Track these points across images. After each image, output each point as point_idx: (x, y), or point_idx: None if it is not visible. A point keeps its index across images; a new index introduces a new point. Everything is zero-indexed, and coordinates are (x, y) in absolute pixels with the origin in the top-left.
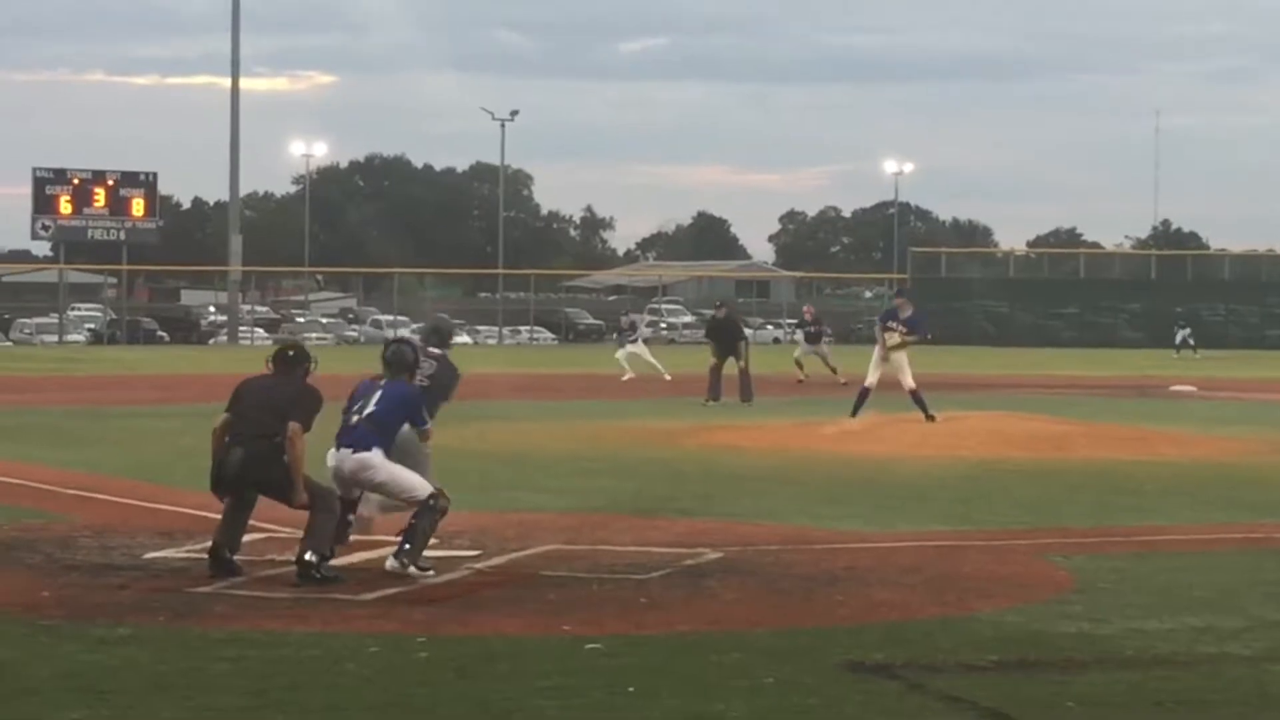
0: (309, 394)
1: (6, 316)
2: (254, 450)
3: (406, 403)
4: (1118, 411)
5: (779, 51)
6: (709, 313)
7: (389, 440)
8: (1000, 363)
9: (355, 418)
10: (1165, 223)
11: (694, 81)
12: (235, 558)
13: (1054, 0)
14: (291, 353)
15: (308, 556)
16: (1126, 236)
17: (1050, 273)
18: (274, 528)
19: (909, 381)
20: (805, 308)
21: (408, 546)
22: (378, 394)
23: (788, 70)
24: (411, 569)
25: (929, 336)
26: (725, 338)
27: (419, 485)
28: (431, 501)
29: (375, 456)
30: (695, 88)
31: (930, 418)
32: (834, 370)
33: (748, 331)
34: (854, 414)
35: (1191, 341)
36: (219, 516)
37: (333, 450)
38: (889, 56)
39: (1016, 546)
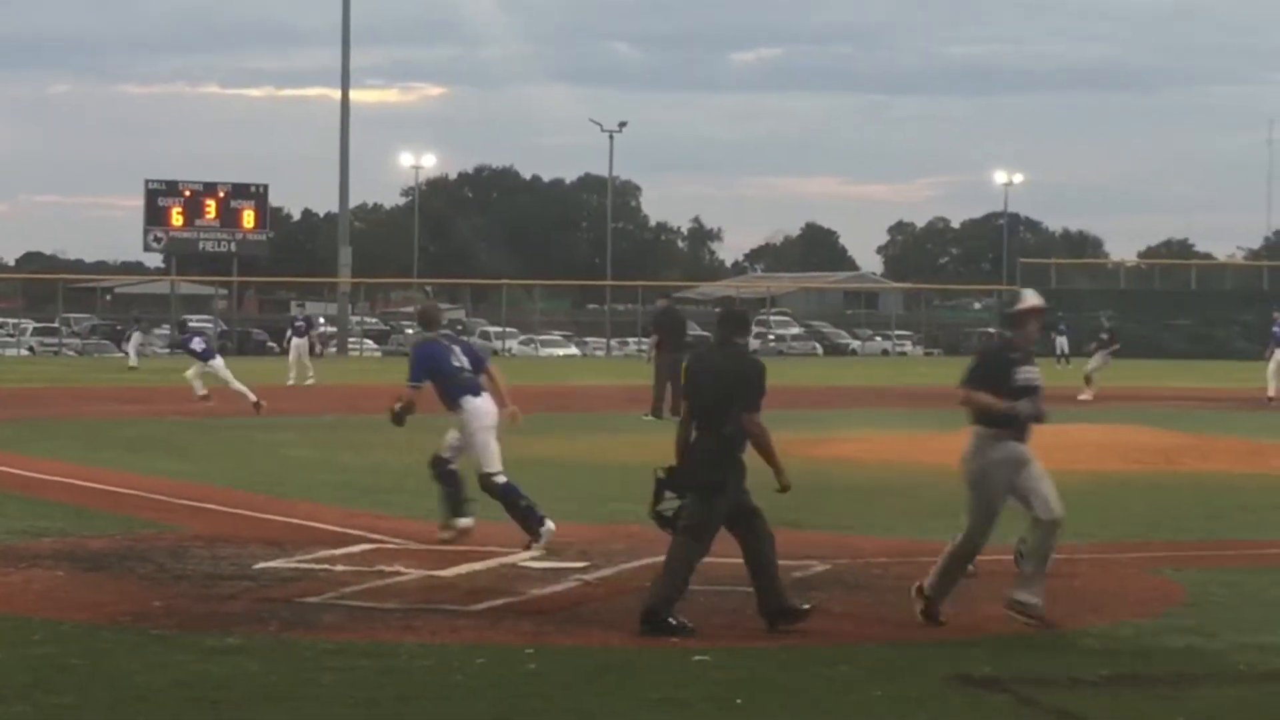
0: (754, 369)
1: (119, 329)
2: (704, 445)
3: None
4: (1229, 424)
5: (892, 63)
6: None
7: None
8: (1111, 375)
9: (468, 374)
10: (1278, 233)
11: (806, 93)
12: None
13: (1165, 12)
14: (730, 314)
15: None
16: (1239, 248)
17: (1162, 284)
18: (382, 538)
19: None
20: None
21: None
22: (460, 347)
23: (900, 81)
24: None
25: None
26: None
27: None
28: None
29: None
30: (807, 99)
31: None
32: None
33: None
34: None
35: (1066, 350)
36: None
37: (475, 399)
38: (1002, 67)
39: (1127, 560)
